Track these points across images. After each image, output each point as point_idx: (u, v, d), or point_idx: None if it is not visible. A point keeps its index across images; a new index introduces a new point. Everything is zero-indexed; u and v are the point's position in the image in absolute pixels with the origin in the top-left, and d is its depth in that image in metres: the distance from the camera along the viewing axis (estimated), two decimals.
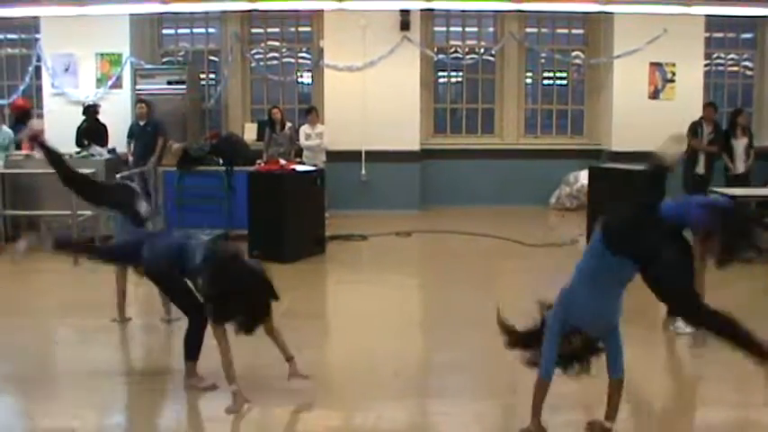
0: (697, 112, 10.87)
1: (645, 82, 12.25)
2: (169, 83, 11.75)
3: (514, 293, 7.85)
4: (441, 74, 13.22)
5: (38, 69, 12.34)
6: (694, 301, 4.15)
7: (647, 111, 11.98)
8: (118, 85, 12.07)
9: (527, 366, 3.90)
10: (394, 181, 12.07)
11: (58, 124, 11.56)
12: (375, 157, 12.03)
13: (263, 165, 9.64)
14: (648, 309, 5.82)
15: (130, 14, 11.89)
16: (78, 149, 10.40)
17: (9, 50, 12.96)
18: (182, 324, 5.02)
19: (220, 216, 9.43)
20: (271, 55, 13.05)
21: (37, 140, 5.82)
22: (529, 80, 13.23)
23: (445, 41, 13.08)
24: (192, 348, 4.76)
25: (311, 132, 11.22)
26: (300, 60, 13.04)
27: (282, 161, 9.69)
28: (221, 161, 9.78)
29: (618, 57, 12.16)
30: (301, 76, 13.18)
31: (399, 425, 4.39)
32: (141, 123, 11.22)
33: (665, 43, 11.93)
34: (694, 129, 10.51)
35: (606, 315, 3.75)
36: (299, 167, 9.43)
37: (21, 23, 12.56)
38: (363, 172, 12.13)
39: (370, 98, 11.91)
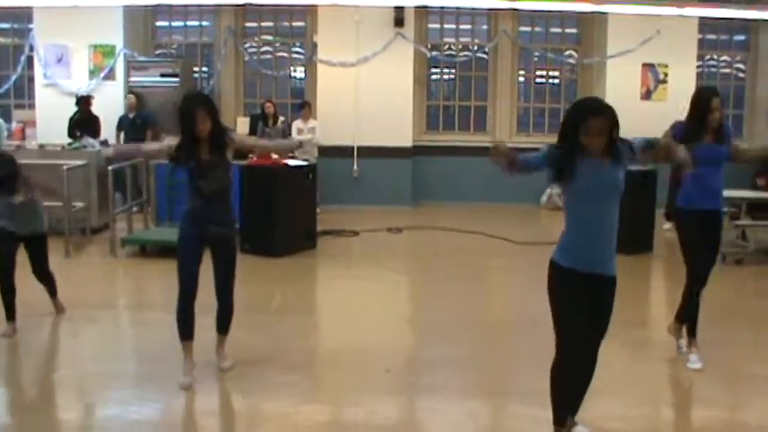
0: None
1: (637, 82, 12.31)
2: (162, 75, 11.71)
3: (504, 291, 7.92)
4: (434, 70, 13.24)
5: (30, 60, 12.28)
6: None
7: (639, 111, 11.96)
8: (111, 76, 12.03)
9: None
10: (386, 177, 12.08)
11: (50, 115, 11.54)
12: (367, 152, 12.04)
13: (255, 159, 9.62)
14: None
15: (124, 6, 11.86)
16: (71, 140, 10.39)
17: (1, 40, 12.89)
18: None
19: None
20: (264, 49, 13.03)
21: None
22: (521, 78, 13.26)
23: (439, 38, 13.09)
24: None
25: (304, 127, 11.23)
26: (294, 55, 13.03)
27: (274, 155, 9.66)
28: None
29: (611, 57, 12.21)
30: (294, 71, 13.16)
31: (390, 421, 4.40)
32: (130, 116, 11.20)
33: (658, 44, 11.99)
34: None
35: None
36: (292, 162, 9.41)
37: (13, 13, 12.50)
38: (355, 167, 12.14)
39: (363, 94, 11.92)
